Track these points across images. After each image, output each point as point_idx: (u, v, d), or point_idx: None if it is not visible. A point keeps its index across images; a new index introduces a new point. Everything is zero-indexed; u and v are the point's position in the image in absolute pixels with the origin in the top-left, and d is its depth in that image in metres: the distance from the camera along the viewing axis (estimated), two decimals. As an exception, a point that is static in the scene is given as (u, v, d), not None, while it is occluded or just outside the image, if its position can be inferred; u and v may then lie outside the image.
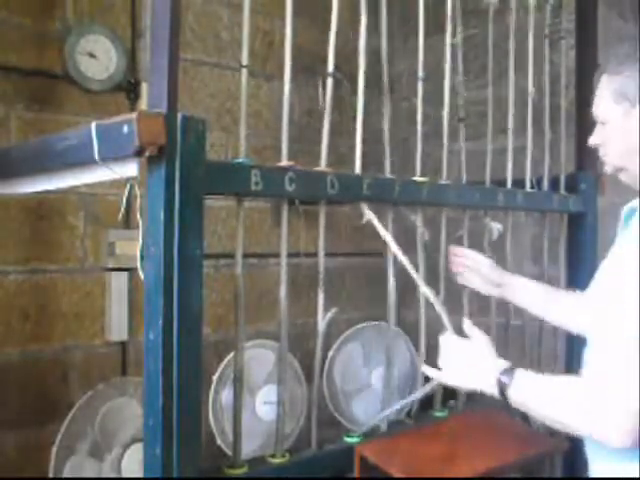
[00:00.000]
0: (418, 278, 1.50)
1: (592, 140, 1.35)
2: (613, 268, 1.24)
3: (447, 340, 1.37)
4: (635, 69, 1.24)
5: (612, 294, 1.16)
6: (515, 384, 1.19)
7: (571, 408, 1.12)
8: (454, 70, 1.78)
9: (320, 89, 1.44)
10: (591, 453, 1.28)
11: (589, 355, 1.30)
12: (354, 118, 1.53)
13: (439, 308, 1.46)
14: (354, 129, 1.54)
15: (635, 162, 1.27)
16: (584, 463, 1.34)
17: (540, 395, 1.18)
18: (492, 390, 1.22)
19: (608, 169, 1.35)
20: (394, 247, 1.51)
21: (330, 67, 1.45)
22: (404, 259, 1.49)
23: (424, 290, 1.49)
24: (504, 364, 1.23)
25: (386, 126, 1.62)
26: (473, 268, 1.69)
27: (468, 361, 1.30)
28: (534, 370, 1.22)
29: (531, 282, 1.68)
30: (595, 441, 1.18)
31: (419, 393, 1.61)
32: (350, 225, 1.55)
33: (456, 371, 1.32)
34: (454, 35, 1.74)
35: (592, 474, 1.29)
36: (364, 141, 1.54)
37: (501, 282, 1.67)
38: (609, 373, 1.09)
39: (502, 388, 1.20)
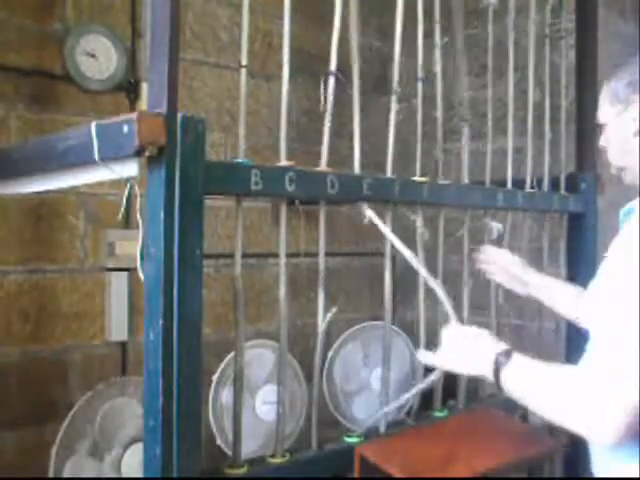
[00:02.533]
0: (423, 271, 1.48)
1: (600, 142, 1.39)
2: (612, 267, 1.24)
3: (449, 327, 1.35)
4: (627, 72, 1.28)
5: (612, 291, 1.15)
6: (510, 365, 1.17)
7: (564, 398, 1.10)
8: (455, 70, 1.78)
9: (322, 89, 1.44)
10: (595, 455, 1.29)
11: (589, 351, 1.30)
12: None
13: (443, 298, 1.44)
14: (353, 129, 1.53)
15: (633, 161, 1.30)
16: (584, 463, 1.34)
17: (534, 381, 1.16)
18: (488, 370, 1.19)
19: (612, 169, 1.38)
20: (398, 244, 1.48)
21: (332, 66, 1.45)
22: (408, 254, 1.46)
23: (430, 281, 1.47)
24: (504, 346, 1.21)
25: (392, 126, 1.62)
26: (502, 267, 1.73)
27: (467, 344, 1.27)
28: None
29: (559, 282, 1.72)
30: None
31: (423, 384, 1.54)
32: (350, 225, 1.54)
33: (455, 355, 1.29)
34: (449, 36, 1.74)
35: (595, 474, 1.29)
36: (364, 141, 1.55)
37: (528, 281, 1.69)
38: (607, 367, 1.07)
39: (497, 368, 1.17)
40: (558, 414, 1.11)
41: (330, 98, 1.46)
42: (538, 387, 1.15)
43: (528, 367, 1.17)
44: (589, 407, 1.06)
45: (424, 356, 1.36)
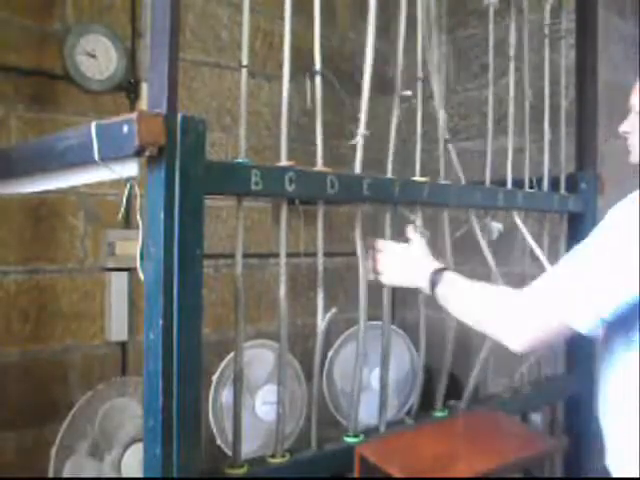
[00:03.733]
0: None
1: (622, 127, 1.35)
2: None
3: (386, 245, 1.50)
4: None
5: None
6: (443, 281, 1.33)
7: (486, 307, 1.24)
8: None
9: (308, 88, 1.44)
10: (610, 448, 1.29)
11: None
12: (353, 118, 1.53)
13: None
14: (353, 129, 1.53)
15: None
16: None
17: (463, 294, 1.31)
18: (425, 286, 1.37)
19: (633, 159, 1.34)
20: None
21: (317, 65, 1.45)
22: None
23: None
24: (438, 265, 1.38)
25: (393, 126, 1.62)
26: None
27: (407, 262, 1.44)
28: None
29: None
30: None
31: None
32: (350, 225, 1.55)
33: (396, 271, 1.46)
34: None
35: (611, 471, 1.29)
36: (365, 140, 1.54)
37: None
38: (533, 287, 1.18)
39: (433, 284, 1.35)
40: (480, 320, 1.25)
41: (318, 97, 1.45)
42: (466, 299, 1.30)
43: (459, 281, 1.33)
44: (510, 315, 1.18)
45: (369, 276, 1.50)
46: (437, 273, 1.35)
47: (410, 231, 1.49)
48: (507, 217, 1.97)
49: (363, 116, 1.52)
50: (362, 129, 1.52)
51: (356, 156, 1.53)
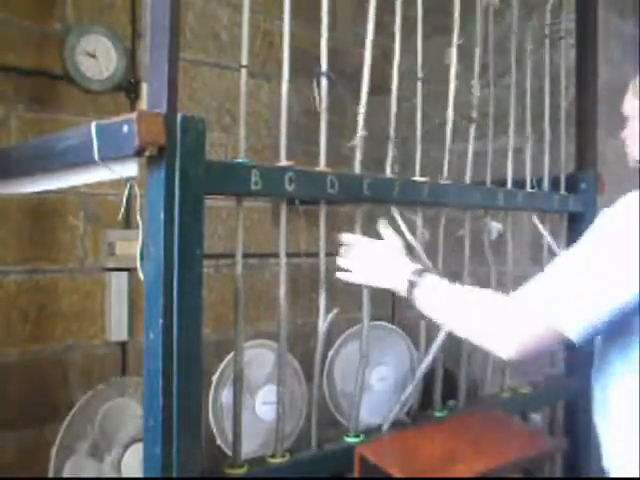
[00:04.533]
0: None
1: (622, 134, 1.37)
2: None
3: (356, 240, 1.41)
4: None
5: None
6: (423, 284, 1.23)
7: (474, 313, 1.15)
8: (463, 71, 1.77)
9: (315, 89, 1.44)
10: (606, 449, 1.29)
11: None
12: (354, 118, 1.53)
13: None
14: (354, 129, 1.53)
15: None
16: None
17: (446, 298, 1.21)
18: (401, 287, 1.26)
19: (631, 162, 1.36)
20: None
21: (323, 66, 1.45)
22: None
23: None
24: (417, 266, 1.28)
25: (392, 126, 1.62)
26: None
27: (381, 260, 1.33)
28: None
29: None
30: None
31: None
32: (351, 225, 1.55)
33: (368, 270, 1.36)
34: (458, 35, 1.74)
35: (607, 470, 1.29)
36: (365, 140, 1.54)
37: None
38: (524, 291, 1.11)
39: (411, 287, 1.24)
40: (466, 327, 1.17)
41: (324, 98, 1.45)
42: (449, 304, 1.21)
43: (440, 285, 1.23)
44: (497, 321, 1.11)
45: (343, 275, 1.40)
46: (416, 274, 1.25)
47: (382, 227, 1.39)
48: (505, 217, 1.97)
49: (361, 117, 1.52)
50: (360, 130, 1.52)
51: (355, 156, 1.53)
